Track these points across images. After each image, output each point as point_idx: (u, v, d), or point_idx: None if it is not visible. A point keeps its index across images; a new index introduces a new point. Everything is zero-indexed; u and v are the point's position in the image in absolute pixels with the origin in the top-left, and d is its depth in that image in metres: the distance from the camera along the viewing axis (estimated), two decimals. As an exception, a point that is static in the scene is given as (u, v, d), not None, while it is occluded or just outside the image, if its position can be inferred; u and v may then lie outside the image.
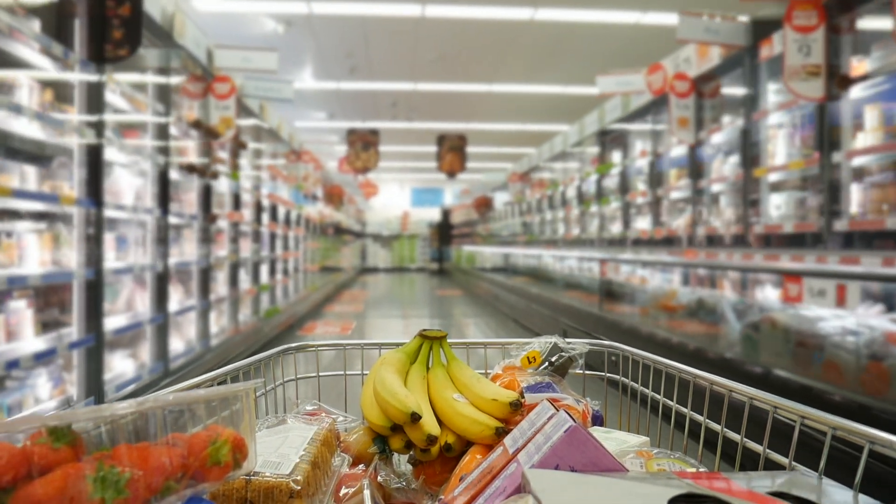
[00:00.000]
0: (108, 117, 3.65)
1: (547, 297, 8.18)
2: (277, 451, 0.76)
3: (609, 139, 8.06)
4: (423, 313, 10.88)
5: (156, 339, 4.31)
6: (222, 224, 6.04)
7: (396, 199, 26.72)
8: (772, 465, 0.76)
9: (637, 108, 6.86)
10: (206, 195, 5.30)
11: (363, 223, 26.09)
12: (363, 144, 13.35)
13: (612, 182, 8.08)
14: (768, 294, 4.17)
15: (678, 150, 6.13)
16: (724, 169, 5.33)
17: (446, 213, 25.35)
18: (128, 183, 4.07)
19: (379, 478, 0.86)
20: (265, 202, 7.79)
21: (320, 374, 1.17)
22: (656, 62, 6.01)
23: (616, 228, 7.87)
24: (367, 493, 0.79)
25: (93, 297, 3.42)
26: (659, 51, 6.31)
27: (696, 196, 5.63)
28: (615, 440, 0.86)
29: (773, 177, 4.71)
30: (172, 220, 4.68)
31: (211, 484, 0.61)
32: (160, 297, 4.36)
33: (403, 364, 1.00)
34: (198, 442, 0.61)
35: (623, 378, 1.09)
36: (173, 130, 4.68)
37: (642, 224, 7.15)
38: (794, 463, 0.74)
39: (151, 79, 4.34)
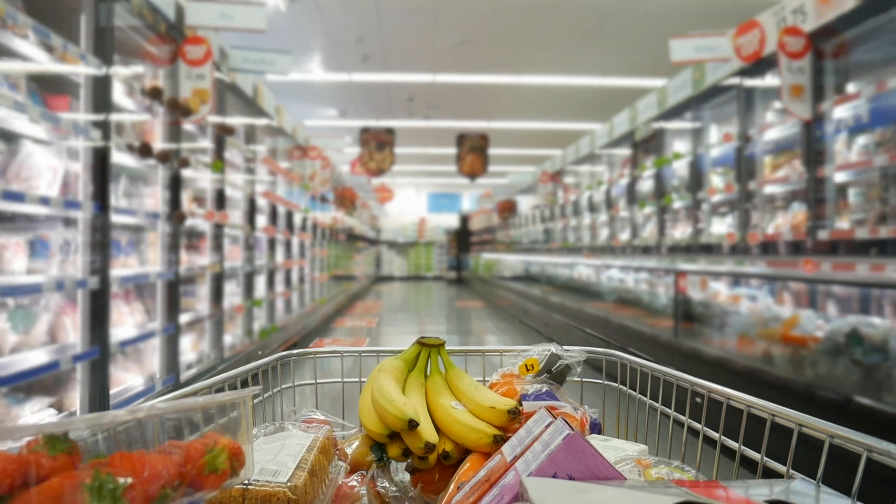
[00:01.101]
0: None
1: (591, 314, 7.77)
2: (275, 458, 0.87)
3: (671, 125, 7.42)
4: (442, 329, 10.86)
5: (89, 380, 3.57)
6: (203, 227, 5.54)
7: (412, 204, 28.34)
8: (770, 473, 0.86)
9: (714, 83, 6.20)
10: (175, 189, 4.69)
11: (378, 229, 27.41)
12: (377, 144, 13.56)
13: (674, 177, 7.46)
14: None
15: (776, 132, 5.44)
16: (850, 152, 4.69)
17: (465, 219, 26.65)
18: (47, 166, 3.39)
19: (377, 486, 0.98)
20: (261, 202, 7.37)
21: (318, 381, 1.29)
22: (750, 19, 5.41)
23: (681, 232, 7.14)
24: (364, 500, 0.90)
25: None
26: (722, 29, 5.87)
27: (814, 188, 4.90)
28: (613, 448, 0.96)
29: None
30: (126, 219, 4.15)
31: (208, 492, 0.70)
32: (95, 324, 3.59)
33: (402, 371, 1.12)
34: (195, 450, 0.70)
35: (621, 386, 1.21)
36: (127, 103, 4.12)
37: (721, 227, 6.42)
38: (792, 471, 0.84)
39: (85, 24, 3.64)
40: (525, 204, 17.19)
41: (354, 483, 0.95)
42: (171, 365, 4.67)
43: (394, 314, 13.00)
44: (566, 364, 1.14)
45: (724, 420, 0.95)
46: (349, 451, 1.04)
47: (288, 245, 8.94)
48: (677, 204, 7.21)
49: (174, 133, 4.74)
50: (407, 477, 1.06)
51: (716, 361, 4.71)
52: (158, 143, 4.60)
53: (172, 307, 4.70)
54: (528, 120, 13.93)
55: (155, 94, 4.42)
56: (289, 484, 0.82)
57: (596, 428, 1.10)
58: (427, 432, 0.99)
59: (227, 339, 6.13)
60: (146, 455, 0.65)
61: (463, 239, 26.32)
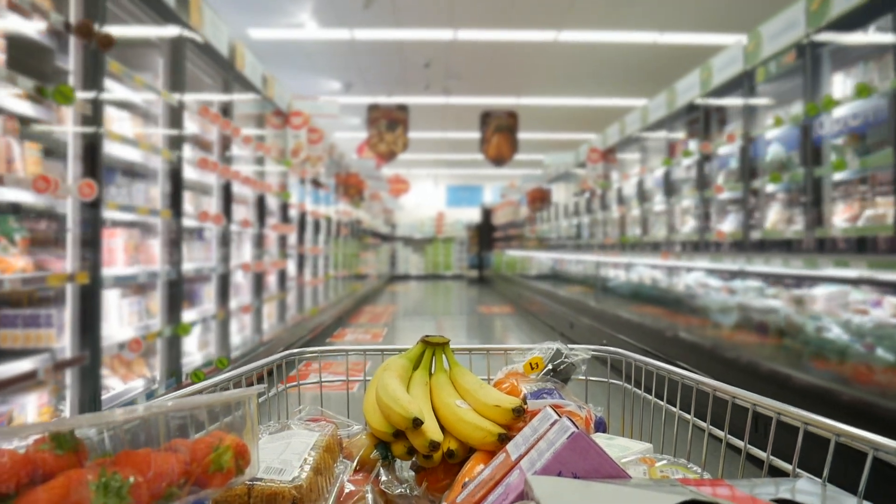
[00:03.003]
0: None
1: (695, 343, 5.35)
2: (280, 457, 0.87)
3: (829, 50, 4.70)
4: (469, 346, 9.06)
5: None
6: (64, 209, 3.38)
7: (430, 197, 26.39)
8: (776, 472, 0.85)
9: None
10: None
11: (392, 225, 25.58)
12: (388, 123, 11.56)
13: (832, 132, 4.71)
14: None
15: None
16: None
17: (487, 213, 24.40)
18: None
19: (381, 484, 0.98)
20: (208, 180, 5.31)
21: (323, 380, 1.28)
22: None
23: (846, 218, 4.47)
24: (369, 499, 0.90)
25: None
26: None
27: None
28: (618, 447, 0.96)
29: None
30: None
31: (213, 490, 0.71)
32: None
33: (406, 370, 1.12)
34: (200, 448, 0.70)
35: (626, 384, 1.20)
36: None
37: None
38: (798, 469, 0.83)
39: None
40: (561, 194, 14.37)
41: (359, 481, 0.95)
42: None
43: (407, 322, 11.36)
44: (571, 362, 1.14)
45: (729, 418, 0.94)
46: (354, 449, 1.04)
47: (259, 241, 6.55)
48: (842, 174, 4.54)
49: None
50: (412, 475, 1.06)
51: None
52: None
53: None
54: (564, 95, 11.73)
55: None
56: (294, 482, 0.81)
57: (601, 426, 1.09)
58: (432, 431, 0.98)
59: (134, 385, 4.20)
60: (152, 453, 0.66)
61: (485, 234, 23.97)
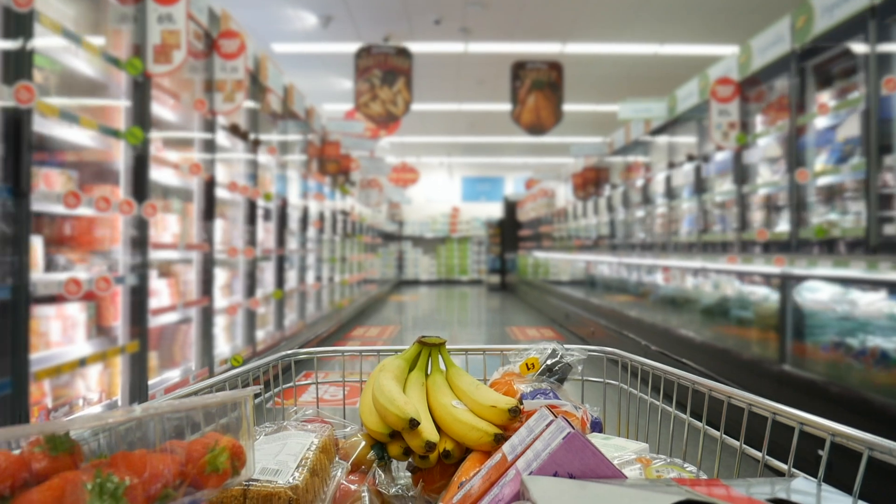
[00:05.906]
0: None
1: None
2: (276, 458, 0.87)
3: None
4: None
5: None
6: None
7: (443, 190, 23.11)
8: (771, 472, 0.85)
9: None
10: None
11: (399, 221, 22.31)
12: (384, 73, 8.38)
13: None
14: None
15: None
16: None
17: (511, 207, 20.53)
18: None
19: (377, 485, 0.97)
20: None
21: (319, 381, 1.28)
22: None
23: None
24: (365, 499, 0.90)
25: None
26: None
27: None
28: (614, 447, 0.96)
29: None
30: None
31: (209, 491, 0.70)
32: None
33: (402, 371, 1.12)
34: (196, 449, 0.69)
35: (622, 384, 1.20)
36: None
37: None
38: (793, 469, 0.83)
39: None
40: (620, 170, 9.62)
41: (355, 482, 0.95)
42: None
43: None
44: (567, 363, 1.14)
45: (725, 418, 0.94)
46: (350, 450, 1.04)
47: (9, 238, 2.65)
48: None
49: None
50: (408, 476, 1.06)
51: None
52: None
53: None
54: (631, 39, 8.18)
55: None
56: (290, 483, 0.81)
57: (597, 426, 1.09)
58: (428, 431, 0.98)
59: None
60: (147, 455, 0.65)
61: (509, 233, 20.30)
